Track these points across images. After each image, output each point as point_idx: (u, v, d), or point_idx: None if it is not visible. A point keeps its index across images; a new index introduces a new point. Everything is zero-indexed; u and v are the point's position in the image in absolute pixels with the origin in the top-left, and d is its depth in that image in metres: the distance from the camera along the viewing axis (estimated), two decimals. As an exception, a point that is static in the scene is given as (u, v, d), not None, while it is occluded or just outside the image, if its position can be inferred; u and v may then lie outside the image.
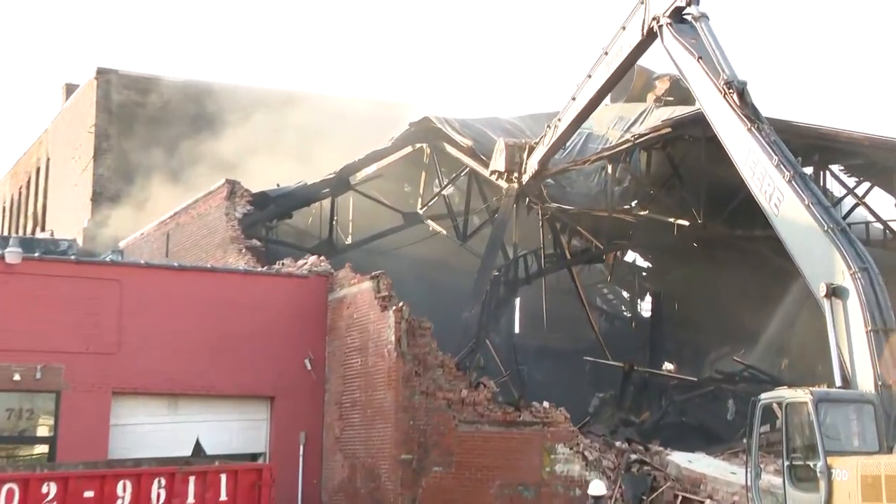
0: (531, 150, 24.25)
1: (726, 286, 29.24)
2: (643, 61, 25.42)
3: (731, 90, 17.45)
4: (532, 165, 24.29)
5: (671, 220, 26.40)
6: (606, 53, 20.75)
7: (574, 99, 22.09)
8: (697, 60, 18.13)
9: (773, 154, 16.86)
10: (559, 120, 22.77)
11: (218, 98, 35.48)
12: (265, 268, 23.40)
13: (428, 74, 66.86)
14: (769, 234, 19.07)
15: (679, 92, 26.71)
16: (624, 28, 20.45)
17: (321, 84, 66.87)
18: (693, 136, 25.14)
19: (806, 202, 16.33)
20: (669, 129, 25.04)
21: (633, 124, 26.80)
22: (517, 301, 31.15)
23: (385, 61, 68.88)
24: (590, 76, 21.30)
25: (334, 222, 28.81)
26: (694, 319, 31.00)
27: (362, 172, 28.88)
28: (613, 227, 27.18)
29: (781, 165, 16.69)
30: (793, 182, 16.50)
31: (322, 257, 23.41)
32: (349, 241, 30.00)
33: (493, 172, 25.49)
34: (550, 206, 26.61)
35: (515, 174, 24.60)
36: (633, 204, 27.12)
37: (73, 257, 22.53)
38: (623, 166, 26.44)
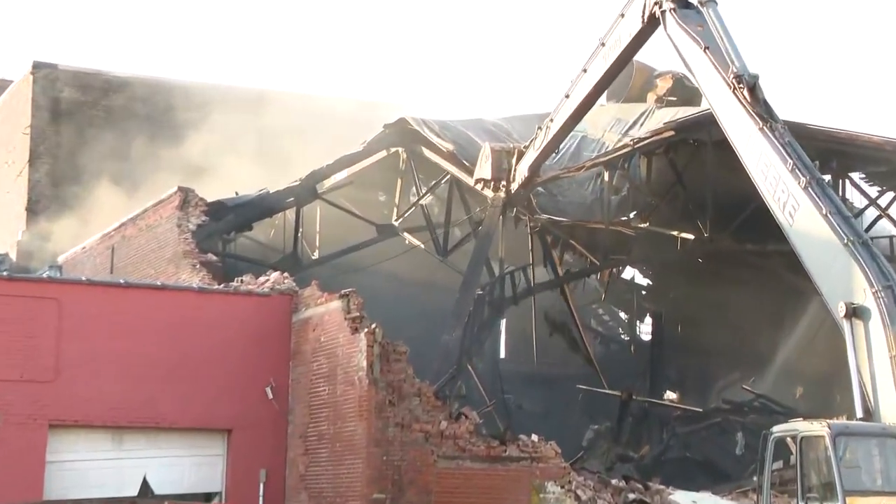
0: (520, 155, 24.14)
1: (735, 306, 29.26)
2: (643, 57, 25.41)
3: (741, 84, 17.33)
4: (521, 172, 24.17)
5: (674, 233, 26.46)
6: (603, 44, 20.64)
7: (567, 96, 21.96)
8: (704, 51, 17.99)
9: (787, 157, 16.73)
10: (551, 120, 22.67)
11: (176, 96, 35.35)
12: (222, 285, 23.19)
13: (410, 71, 67.16)
14: (783, 248, 18.99)
15: (683, 91, 26.75)
16: (622, 15, 20.34)
17: (297, 82, 66.77)
18: (698, 139, 25.18)
19: (824, 211, 16.23)
20: (672, 133, 25.08)
21: (631, 127, 26.81)
22: (503, 323, 31.03)
23: (366, 57, 68.98)
24: (585, 70, 21.18)
25: (299, 235, 28.65)
26: (699, 343, 31.01)
27: (331, 179, 28.79)
28: (610, 241, 27.19)
29: (797, 170, 16.57)
30: (809, 189, 16.38)
31: (285, 274, 23.23)
32: (316, 255, 29.87)
33: (477, 181, 25.42)
34: (540, 218, 26.62)
35: (503, 182, 24.42)
36: (632, 215, 27.14)
37: (4, 273, 22.26)
38: (621, 173, 26.41)
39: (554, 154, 25.72)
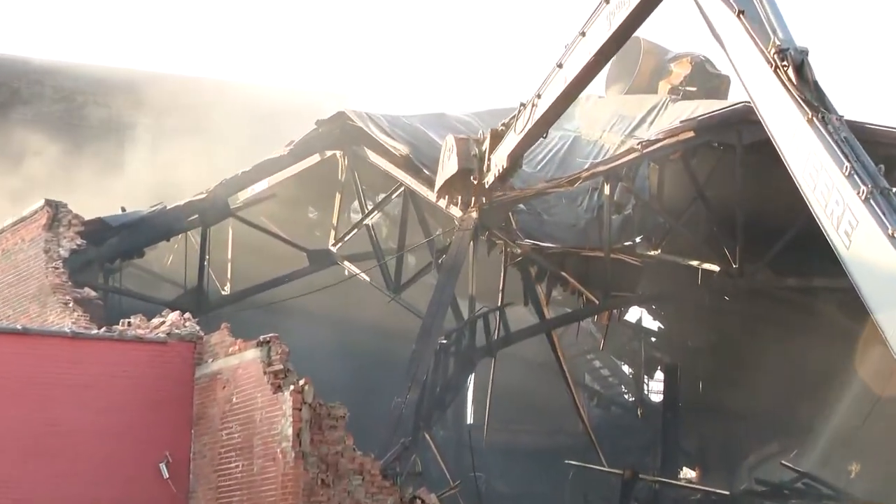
0: (496, 138, 23.94)
1: (772, 359, 29.25)
2: (655, 35, 25.37)
3: (784, 62, 17.14)
4: (499, 161, 23.94)
5: (693, 263, 26.50)
6: (608, 1, 20.42)
7: (560, 66, 21.69)
8: (738, 16, 17.81)
9: (843, 158, 16.53)
10: (538, 96, 22.45)
11: (36, 79, 35.42)
12: (103, 329, 22.84)
13: (354, 54, 67.26)
14: (836, 283, 18.84)
15: (705, 79, 27.03)
16: None
17: (214, 66, 66.84)
18: (726, 142, 25.22)
19: (889, 231, 16.02)
20: (692, 134, 25.09)
21: (638, 125, 27.02)
22: (471, 379, 30.86)
23: (296, 35, 69.09)
24: (583, 34, 20.95)
25: (206, 264, 28.55)
26: (725, 406, 31.08)
27: (247, 191, 28.80)
28: (611, 274, 27.00)
29: (855, 175, 16.37)
30: (871, 201, 16.15)
31: (187, 315, 22.86)
32: (227, 290, 29.89)
33: (441, 193, 25.16)
34: (522, 244, 26.41)
35: (473, 174, 24.19)
36: (639, 240, 27.16)
37: None
38: (625, 186, 26.38)
39: (538, 160, 25.47)
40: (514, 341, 27.99)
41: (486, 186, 24.37)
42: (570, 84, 21.57)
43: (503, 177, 24.16)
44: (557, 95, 21.96)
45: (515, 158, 23.76)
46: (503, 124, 23.91)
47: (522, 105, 22.92)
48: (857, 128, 21.42)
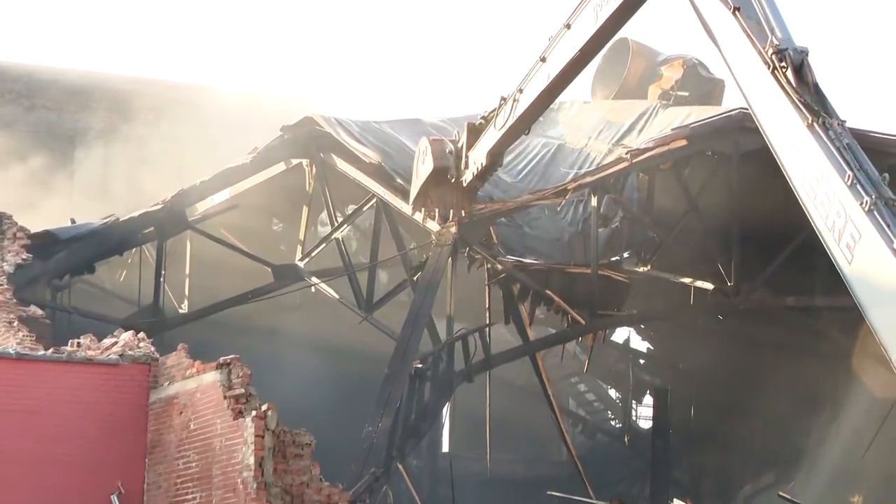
0: (473, 133, 23.82)
1: (769, 383, 29.25)
2: (645, 36, 25.28)
3: (783, 63, 17.08)
4: (477, 158, 23.79)
5: (686, 280, 26.53)
6: None
7: (543, 60, 21.59)
8: (733, 13, 17.76)
9: (845, 167, 16.47)
10: (520, 91, 22.33)
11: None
12: (50, 351, 22.62)
13: (323, 56, 67.18)
14: (838, 302, 18.71)
15: (698, 83, 27.10)
16: None
17: (174, 68, 66.89)
18: (720, 151, 25.28)
19: (895, 244, 15.94)
20: (684, 142, 25.12)
21: (627, 133, 26.97)
22: (447, 406, 30.71)
23: (266, 37, 69.17)
24: (568, 26, 20.87)
25: (162, 280, 28.46)
26: (719, 433, 31.19)
27: (207, 202, 28.70)
28: (598, 292, 26.86)
29: (858, 185, 16.31)
30: (875, 212, 16.08)
31: (141, 334, 22.75)
32: (184, 308, 29.78)
33: (416, 203, 25.07)
34: (504, 260, 26.34)
35: (450, 172, 24.10)
36: (627, 255, 27.16)
37: None
38: (613, 198, 26.37)
39: (519, 168, 25.34)
40: (495, 365, 27.79)
41: (465, 185, 24.18)
42: (554, 80, 21.50)
43: (482, 175, 24.05)
44: (540, 91, 21.86)
45: (495, 156, 23.67)
46: (482, 118, 23.78)
47: (503, 99, 22.81)
48: (860, 135, 21.45)
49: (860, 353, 26.05)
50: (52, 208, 29.10)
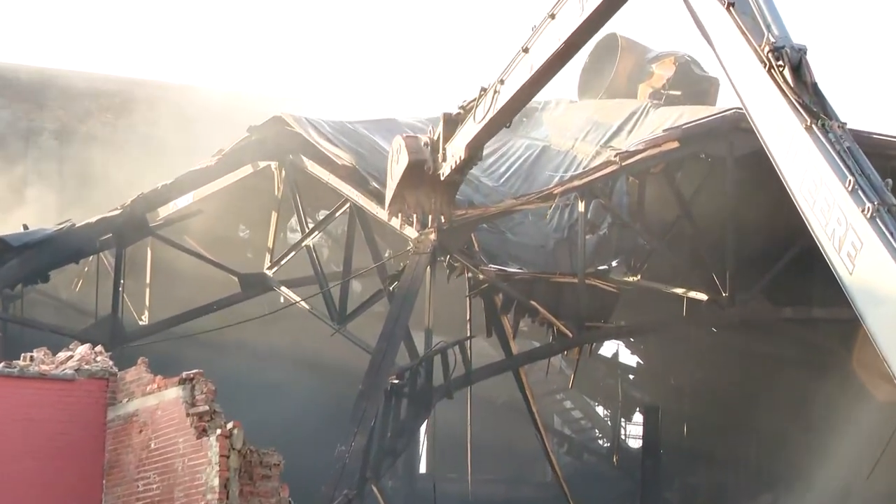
0: (452, 124, 23.73)
1: (766, 399, 29.40)
2: (635, 32, 25.23)
3: (779, 62, 17.05)
4: (455, 152, 23.68)
5: (678, 291, 26.53)
6: None
7: (526, 51, 21.50)
8: (727, 8, 17.73)
9: (846, 171, 16.45)
10: (501, 82, 22.23)
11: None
12: (1, 365, 22.48)
13: (297, 53, 67.53)
14: (838, 314, 18.63)
15: (691, 82, 27.24)
16: None
17: (138, 64, 67.09)
18: (714, 154, 25.33)
19: (901, 253, 15.96)
20: (676, 144, 25.14)
21: (616, 134, 27.05)
22: (425, 424, 30.70)
23: (235, 33, 69.41)
24: (553, 16, 20.81)
25: (120, 289, 28.42)
26: (712, 452, 31.27)
27: (169, 207, 28.65)
28: (585, 302, 26.86)
29: (860, 190, 16.28)
30: (878, 219, 16.04)
31: (99, 348, 22.60)
32: (145, 320, 29.74)
33: (393, 208, 24.96)
34: (487, 269, 26.31)
35: (427, 164, 23.91)
36: (616, 264, 27.19)
37: None
38: (601, 202, 26.37)
39: (501, 171, 25.29)
40: (476, 380, 27.76)
41: (443, 179, 24.08)
42: (537, 72, 21.46)
43: (461, 168, 24.01)
44: (523, 83, 21.78)
45: (475, 149, 23.60)
46: (461, 107, 23.70)
47: (483, 90, 22.69)
48: (862, 137, 21.50)
49: (860, 367, 26.09)
50: (3, 214, 28.92)
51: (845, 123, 17.25)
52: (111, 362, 22.18)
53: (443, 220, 24.87)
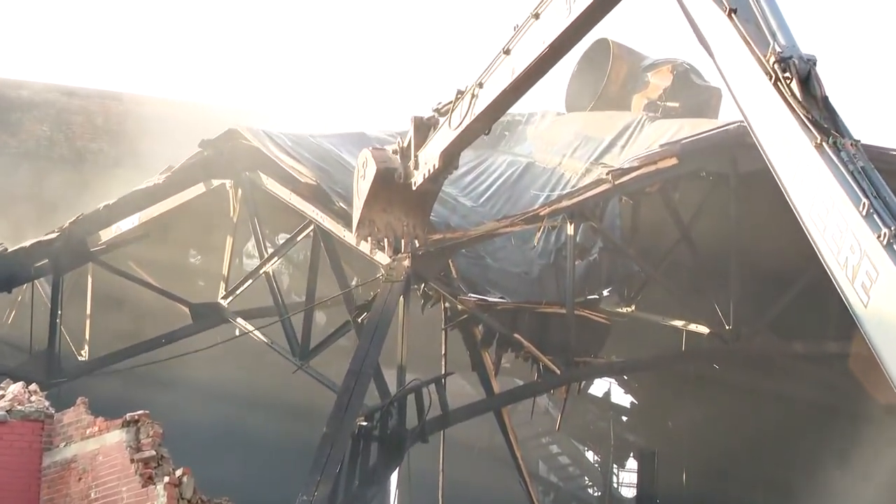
0: (423, 129, 23.52)
1: (773, 444, 29.51)
2: (629, 38, 25.31)
3: (786, 74, 17.10)
4: (430, 159, 23.48)
5: (677, 323, 26.65)
6: None
7: (507, 52, 21.42)
8: (728, 16, 17.78)
9: (860, 194, 16.48)
10: (480, 86, 22.12)
11: None
12: (-77, 404, 22.49)
13: (258, 62, 67.64)
14: (853, 349, 18.64)
15: (690, 92, 27.22)
16: None
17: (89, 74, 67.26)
18: (716, 172, 25.46)
19: (918, 285, 16.03)
20: (674, 160, 25.19)
21: (607, 150, 27.04)
22: (398, 470, 30.66)
23: (192, 40, 69.65)
24: (537, 16, 20.76)
25: (58, 321, 28.34)
26: (714, 501, 31.07)
27: (111, 230, 28.55)
28: (574, 335, 26.79)
29: (875, 215, 16.30)
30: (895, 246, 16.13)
31: (34, 386, 22.71)
32: (85, 355, 29.57)
33: (361, 230, 24.84)
34: (466, 299, 26.32)
35: (397, 173, 23.75)
36: (608, 293, 27.28)
37: None
38: (591, 226, 26.45)
39: (481, 190, 25.35)
40: (453, 422, 27.66)
41: (415, 189, 24.03)
42: (519, 76, 21.35)
43: (435, 177, 23.85)
44: (503, 88, 21.58)
45: (450, 157, 23.35)
46: (434, 110, 23.55)
47: (460, 93, 22.49)
48: (878, 155, 21.56)
49: (878, 408, 26.15)
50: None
51: (859, 141, 17.30)
52: (47, 402, 22.26)
53: (417, 245, 24.79)
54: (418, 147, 23.44)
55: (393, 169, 23.67)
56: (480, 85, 21.76)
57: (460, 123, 22.35)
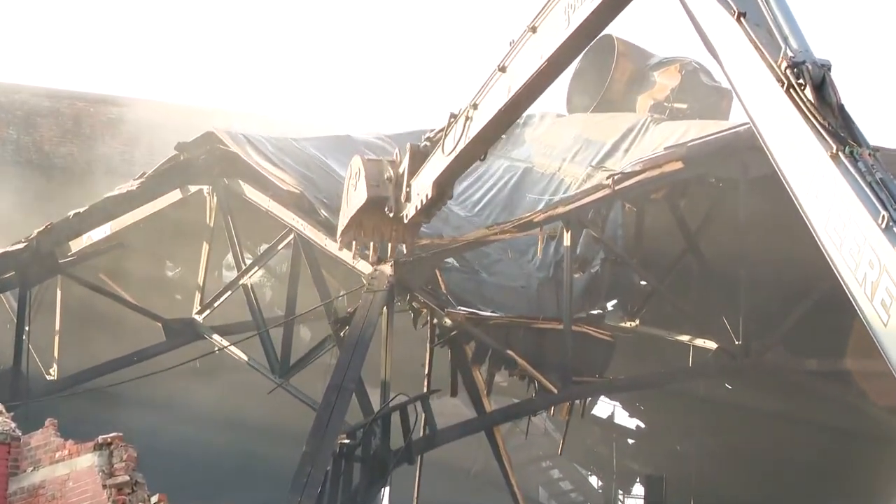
0: (418, 157, 23.41)
1: (787, 466, 29.53)
2: (634, 35, 25.52)
3: (800, 80, 17.27)
4: (421, 189, 23.40)
5: (684, 338, 26.83)
6: None
7: (503, 70, 21.50)
8: (737, 19, 17.94)
9: (878, 206, 16.65)
10: (475, 107, 22.10)
11: None
12: None
13: (238, 58, 67.59)
14: (871, 367, 18.82)
15: (698, 93, 27.07)
16: None
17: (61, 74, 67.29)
18: (724, 177, 25.59)
19: (942, 302, 16.25)
20: (680, 165, 25.30)
21: (610, 154, 27.27)
22: (386, 493, 30.77)
23: (169, 38, 69.56)
24: (534, 30, 20.87)
25: (25, 338, 28.34)
26: None
27: (82, 240, 28.60)
28: (573, 353, 26.88)
29: (894, 228, 16.60)
30: (916, 262, 16.40)
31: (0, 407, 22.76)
32: (54, 374, 29.65)
33: (345, 238, 24.95)
34: (454, 312, 26.37)
35: (388, 203, 23.70)
36: (611, 307, 27.60)
37: None
38: (591, 235, 26.61)
39: (476, 198, 25.52)
40: (441, 442, 27.63)
41: (406, 221, 24.05)
42: (516, 95, 21.32)
43: (427, 209, 23.73)
44: (500, 108, 21.52)
45: (444, 186, 23.20)
46: (427, 139, 23.20)
47: (453, 117, 22.49)
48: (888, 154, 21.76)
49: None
50: None
51: (877, 150, 17.47)
52: (13, 424, 22.23)
53: (404, 251, 24.70)
54: (412, 175, 23.38)
55: (384, 198, 23.56)
56: (475, 106, 21.77)
57: (454, 148, 22.29)
